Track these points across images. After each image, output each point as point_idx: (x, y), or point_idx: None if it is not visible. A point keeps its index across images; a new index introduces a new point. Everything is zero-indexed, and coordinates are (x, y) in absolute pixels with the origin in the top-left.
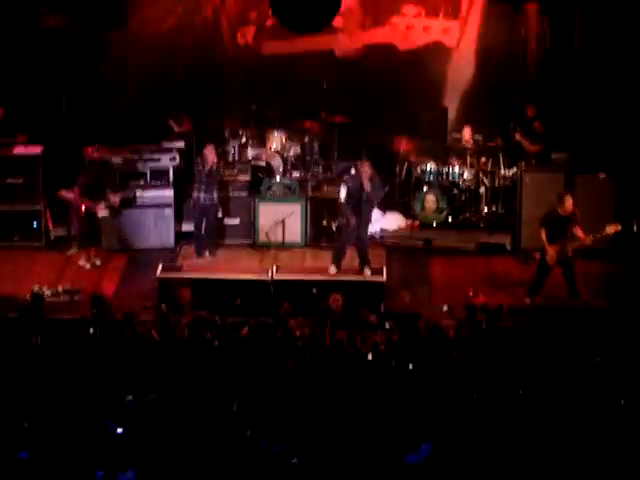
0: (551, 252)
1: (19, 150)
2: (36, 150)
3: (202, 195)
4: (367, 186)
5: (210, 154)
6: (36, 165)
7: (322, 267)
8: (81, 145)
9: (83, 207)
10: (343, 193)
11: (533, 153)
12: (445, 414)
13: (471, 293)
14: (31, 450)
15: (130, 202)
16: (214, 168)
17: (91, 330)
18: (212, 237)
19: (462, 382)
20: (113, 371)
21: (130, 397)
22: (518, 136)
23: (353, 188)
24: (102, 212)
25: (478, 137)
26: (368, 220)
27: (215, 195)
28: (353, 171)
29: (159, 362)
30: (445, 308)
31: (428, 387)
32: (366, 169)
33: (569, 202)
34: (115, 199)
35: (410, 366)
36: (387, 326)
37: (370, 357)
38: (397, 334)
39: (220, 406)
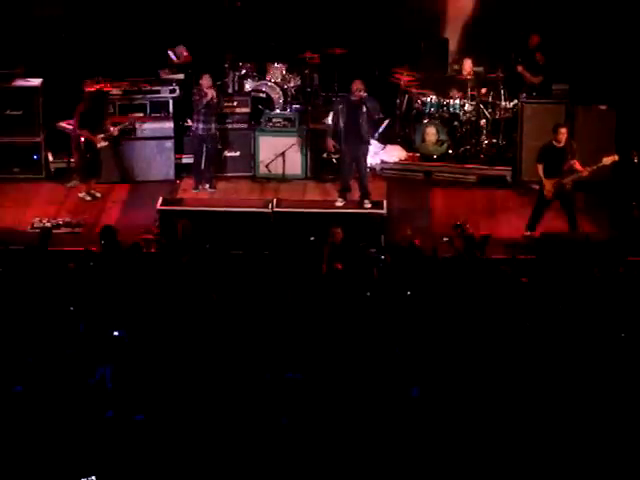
0: (549, 185)
1: (19, 82)
2: (36, 82)
3: (200, 126)
4: (359, 95)
5: (207, 83)
6: (36, 97)
7: (322, 199)
8: (81, 77)
9: (82, 138)
10: (331, 118)
11: (535, 84)
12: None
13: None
14: (30, 382)
15: (129, 133)
16: (213, 99)
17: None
18: (211, 169)
19: (460, 310)
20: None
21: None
22: (520, 68)
23: (348, 107)
24: (101, 143)
25: (479, 69)
26: (367, 145)
27: (213, 126)
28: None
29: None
30: (446, 239)
31: (426, 314)
32: (358, 85)
33: (562, 133)
34: (114, 129)
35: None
36: (383, 258)
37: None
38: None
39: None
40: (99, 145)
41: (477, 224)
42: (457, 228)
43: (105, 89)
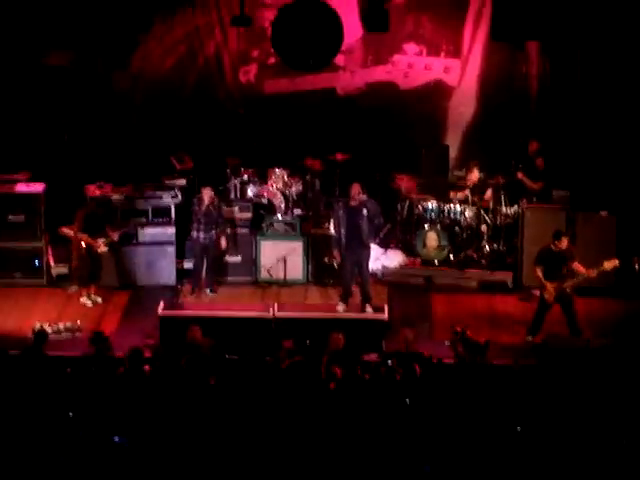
0: (549, 289)
1: (21, 188)
2: (38, 188)
3: (201, 235)
4: (358, 200)
5: (206, 195)
6: (38, 202)
7: (324, 304)
8: (83, 182)
9: (82, 243)
10: (332, 226)
11: (536, 190)
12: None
13: (459, 328)
14: None
15: (130, 238)
16: (210, 208)
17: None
18: (213, 274)
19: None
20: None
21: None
22: (520, 175)
23: (348, 212)
24: (101, 248)
25: (480, 174)
26: (369, 250)
27: (213, 232)
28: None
29: (157, 398)
30: (447, 343)
31: (426, 421)
32: (357, 189)
33: (563, 242)
34: (114, 235)
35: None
36: (389, 364)
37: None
38: (399, 372)
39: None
40: (99, 250)
41: (478, 329)
42: (457, 334)
43: (107, 194)
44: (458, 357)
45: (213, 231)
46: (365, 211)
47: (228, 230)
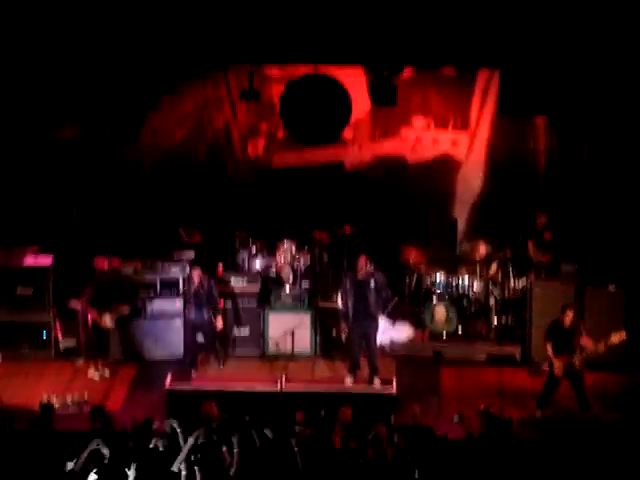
0: (558, 364)
1: (29, 261)
2: (46, 261)
3: (192, 314)
4: (365, 272)
5: (195, 276)
6: (46, 276)
7: (331, 377)
8: (92, 255)
9: (90, 317)
10: (340, 299)
11: (544, 263)
12: None
13: (482, 406)
14: None
15: (138, 313)
16: (199, 288)
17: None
18: (219, 350)
19: None
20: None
21: None
22: (531, 246)
23: (355, 285)
24: (109, 323)
25: (488, 248)
26: (377, 322)
27: (205, 313)
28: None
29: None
30: (456, 419)
31: None
32: (363, 261)
33: (569, 315)
34: (123, 310)
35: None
36: (395, 439)
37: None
38: (405, 447)
39: None
40: (107, 326)
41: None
42: (480, 412)
43: (116, 267)
44: (468, 432)
45: (204, 311)
46: (373, 283)
47: (230, 304)
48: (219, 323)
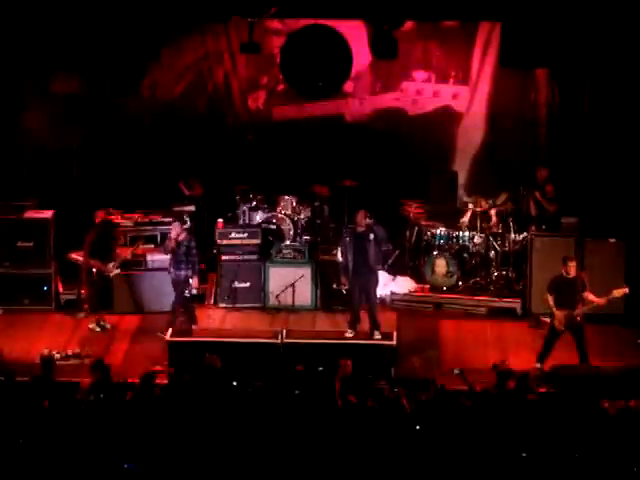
0: (559, 317)
1: (30, 214)
2: (47, 214)
3: (172, 270)
4: (364, 226)
5: (173, 231)
6: (47, 229)
7: (332, 330)
8: (92, 209)
9: (93, 269)
10: (340, 253)
11: (550, 213)
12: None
13: (500, 362)
14: None
15: (139, 263)
16: (176, 244)
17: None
18: (185, 309)
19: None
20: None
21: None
22: (538, 195)
23: (354, 239)
24: (113, 271)
25: (488, 201)
26: (376, 276)
27: (182, 271)
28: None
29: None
30: (456, 371)
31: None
32: (362, 215)
33: (571, 266)
34: (124, 256)
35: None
36: (396, 392)
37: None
38: (409, 402)
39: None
40: (111, 274)
41: (486, 356)
42: (495, 367)
43: (115, 220)
44: (469, 385)
45: (181, 269)
46: (372, 236)
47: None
48: (194, 283)
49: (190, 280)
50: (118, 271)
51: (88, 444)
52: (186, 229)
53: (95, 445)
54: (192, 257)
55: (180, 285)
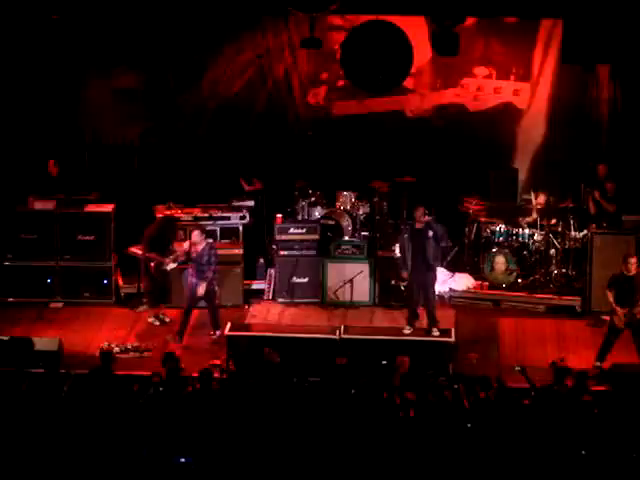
0: (620, 314)
1: (91, 208)
2: (107, 208)
3: (194, 279)
4: (423, 222)
5: (194, 239)
6: (107, 223)
7: (390, 326)
8: (153, 203)
9: (152, 262)
10: (398, 249)
11: (610, 212)
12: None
13: (558, 359)
14: None
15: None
16: (193, 253)
17: (159, 388)
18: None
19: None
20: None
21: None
22: (597, 194)
23: (413, 235)
24: (170, 265)
25: (549, 198)
26: (435, 273)
27: (195, 279)
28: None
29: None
30: (517, 368)
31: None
32: (421, 212)
33: (632, 263)
34: (182, 248)
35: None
36: (455, 388)
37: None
38: (467, 399)
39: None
40: (169, 267)
41: (545, 354)
42: (553, 365)
43: (175, 215)
44: (530, 383)
45: (196, 277)
46: (431, 233)
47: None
48: (200, 289)
49: (197, 287)
50: (175, 265)
51: (146, 437)
52: (207, 241)
53: (152, 438)
54: (207, 264)
55: (189, 291)
